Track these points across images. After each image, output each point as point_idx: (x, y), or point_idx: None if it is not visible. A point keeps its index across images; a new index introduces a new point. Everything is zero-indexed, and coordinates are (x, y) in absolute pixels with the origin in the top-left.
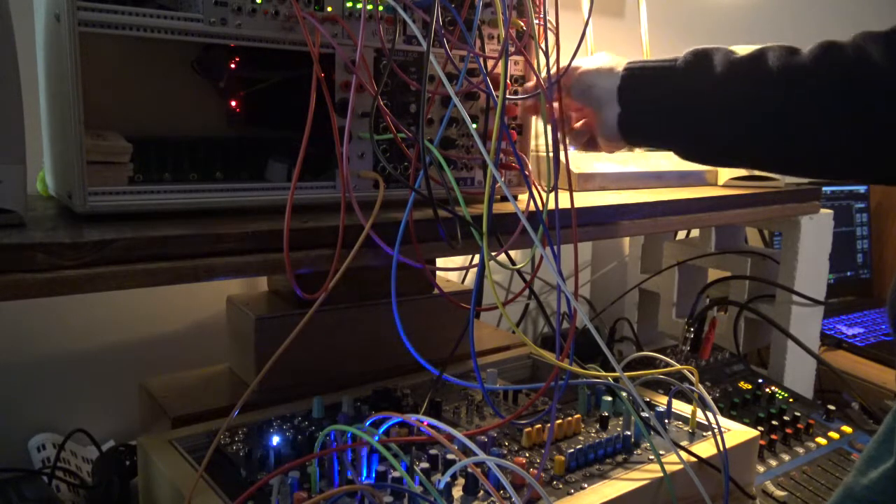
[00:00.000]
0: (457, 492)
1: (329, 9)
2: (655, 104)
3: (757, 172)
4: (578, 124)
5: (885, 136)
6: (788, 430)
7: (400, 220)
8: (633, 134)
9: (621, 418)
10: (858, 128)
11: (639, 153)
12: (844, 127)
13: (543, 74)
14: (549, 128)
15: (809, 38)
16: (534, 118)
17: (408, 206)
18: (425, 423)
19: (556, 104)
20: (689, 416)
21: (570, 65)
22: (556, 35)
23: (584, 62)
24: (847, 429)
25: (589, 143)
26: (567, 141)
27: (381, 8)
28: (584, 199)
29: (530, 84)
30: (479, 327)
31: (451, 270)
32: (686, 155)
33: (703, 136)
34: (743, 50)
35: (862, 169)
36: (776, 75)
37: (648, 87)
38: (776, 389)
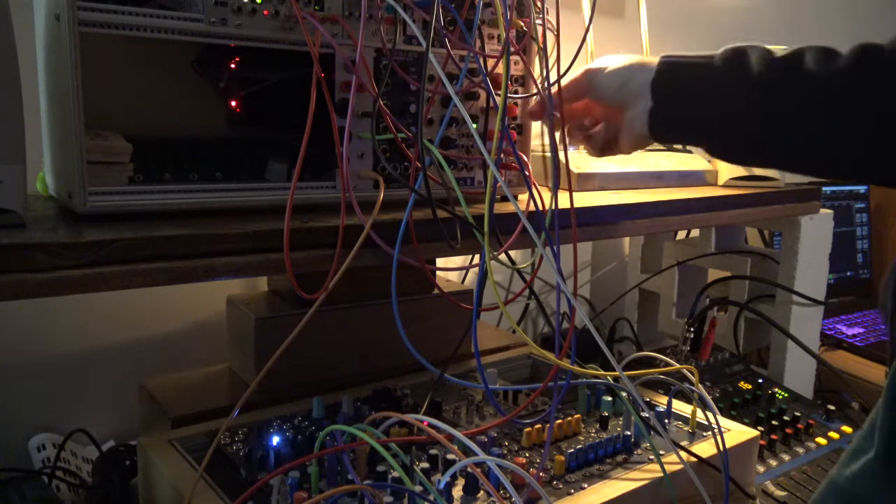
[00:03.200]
0: (457, 492)
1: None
2: (690, 99)
3: (757, 172)
4: (598, 127)
5: None
6: (788, 430)
7: (400, 220)
8: (663, 128)
9: (621, 418)
10: None
11: (639, 153)
12: (886, 131)
13: (543, 81)
14: (546, 129)
15: (808, 38)
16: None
17: (408, 206)
18: (425, 423)
19: (557, 112)
20: (689, 416)
21: (570, 67)
22: (557, 36)
23: (610, 61)
24: (847, 429)
25: (605, 147)
26: (578, 146)
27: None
28: (584, 199)
29: (534, 97)
30: (479, 327)
31: (451, 270)
32: (715, 153)
33: (734, 135)
34: (780, 50)
35: None
36: (816, 80)
37: (683, 80)
38: (776, 389)
